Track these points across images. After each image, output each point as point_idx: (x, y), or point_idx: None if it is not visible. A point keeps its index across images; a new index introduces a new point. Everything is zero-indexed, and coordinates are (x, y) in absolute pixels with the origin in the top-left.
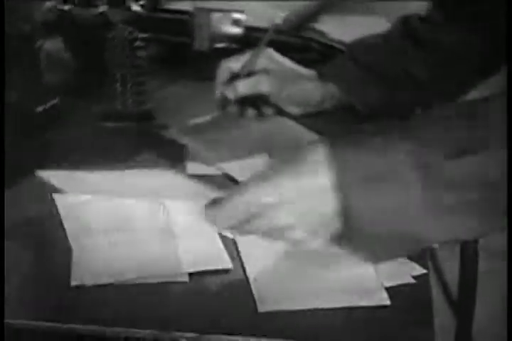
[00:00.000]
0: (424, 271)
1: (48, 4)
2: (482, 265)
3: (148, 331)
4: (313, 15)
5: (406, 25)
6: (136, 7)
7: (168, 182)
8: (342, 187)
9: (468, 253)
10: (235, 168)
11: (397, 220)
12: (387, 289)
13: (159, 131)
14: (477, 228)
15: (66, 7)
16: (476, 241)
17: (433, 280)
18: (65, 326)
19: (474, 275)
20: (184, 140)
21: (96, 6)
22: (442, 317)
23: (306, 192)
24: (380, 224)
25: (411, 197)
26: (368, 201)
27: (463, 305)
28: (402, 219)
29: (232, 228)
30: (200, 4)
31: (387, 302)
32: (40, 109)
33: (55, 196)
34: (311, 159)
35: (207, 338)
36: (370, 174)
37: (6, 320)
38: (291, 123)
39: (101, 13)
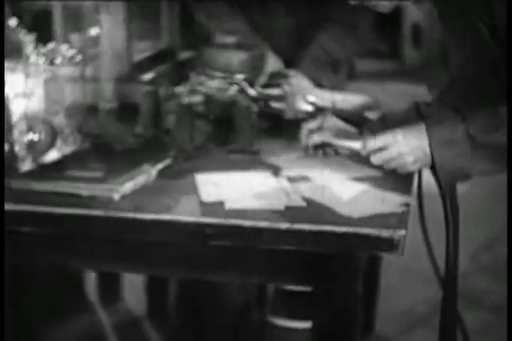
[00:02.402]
0: None
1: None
2: None
3: (266, 222)
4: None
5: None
6: (252, 92)
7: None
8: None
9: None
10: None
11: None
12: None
13: (264, 160)
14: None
15: (207, 90)
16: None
17: None
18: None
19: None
20: (280, 163)
21: (227, 90)
22: None
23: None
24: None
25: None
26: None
27: None
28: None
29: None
30: (289, 90)
31: None
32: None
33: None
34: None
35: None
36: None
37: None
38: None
39: (231, 96)
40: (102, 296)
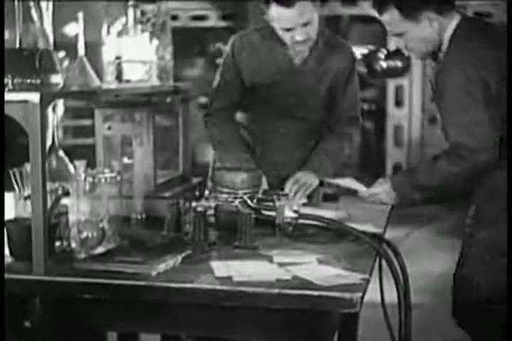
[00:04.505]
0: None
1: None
2: None
3: (262, 288)
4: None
5: None
6: (251, 203)
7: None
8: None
9: None
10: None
11: None
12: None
13: (261, 252)
14: None
15: (213, 204)
16: None
17: None
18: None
19: None
20: (272, 255)
21: (232, 202)
22: None
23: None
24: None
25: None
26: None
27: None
28: None
29: None
30: (278, 203)
31: None
32: (206, 244)
33: (212, 263)
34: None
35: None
36: None
37: None
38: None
39: (235, 206)
40: None
